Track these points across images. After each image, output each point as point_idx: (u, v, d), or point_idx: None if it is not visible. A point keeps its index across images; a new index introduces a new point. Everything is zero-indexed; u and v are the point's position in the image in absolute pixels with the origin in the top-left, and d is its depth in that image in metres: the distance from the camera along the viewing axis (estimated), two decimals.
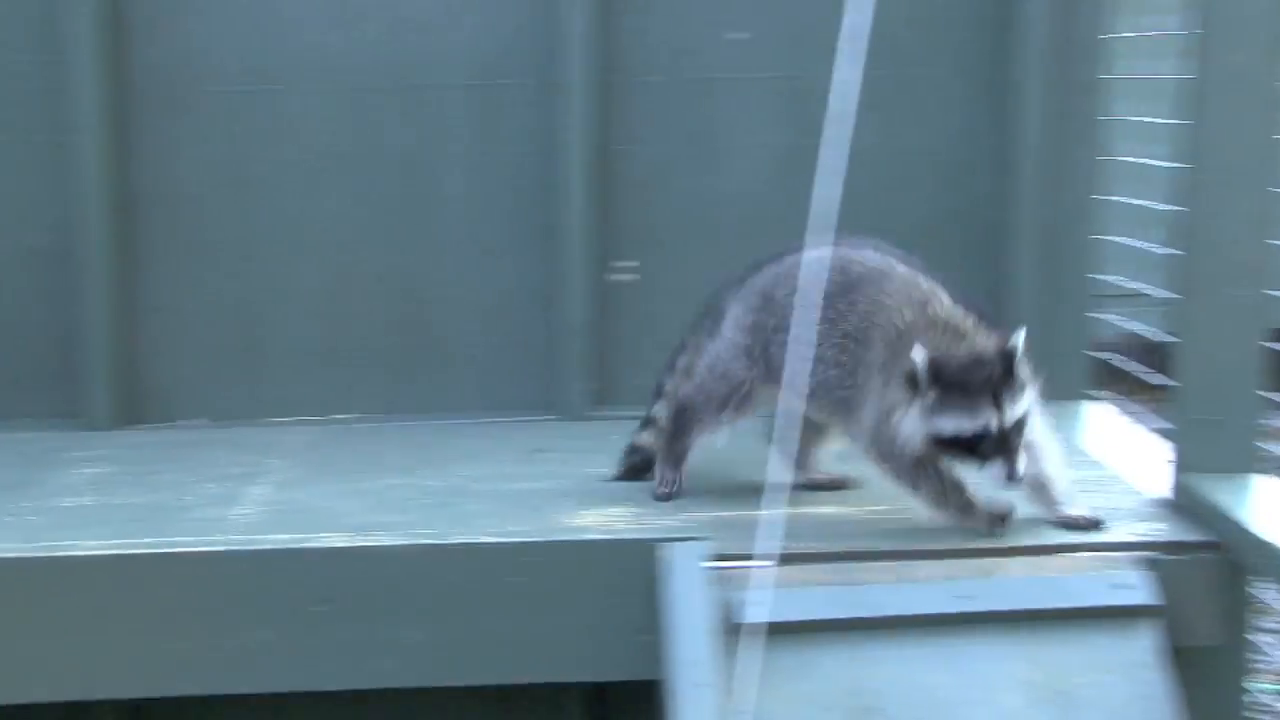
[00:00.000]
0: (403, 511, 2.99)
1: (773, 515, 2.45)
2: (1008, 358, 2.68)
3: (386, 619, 2.77)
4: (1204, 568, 2.74)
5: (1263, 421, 2.99)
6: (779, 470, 2.72)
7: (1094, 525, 2.78)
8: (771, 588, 2.64)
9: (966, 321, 2.78)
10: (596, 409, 3.75)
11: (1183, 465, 2.93)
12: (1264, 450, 3.01)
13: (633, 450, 3.22)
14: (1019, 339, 2.70)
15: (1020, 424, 2.68)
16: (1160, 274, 3.50)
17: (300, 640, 2.77)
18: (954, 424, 2.67)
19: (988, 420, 2.65)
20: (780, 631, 2.58)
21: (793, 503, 2.95)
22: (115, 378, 3.72)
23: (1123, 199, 4.28)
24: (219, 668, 2.78)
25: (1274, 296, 3.01)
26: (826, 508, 2.99)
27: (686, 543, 2.73)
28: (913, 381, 2.69)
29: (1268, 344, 3.01)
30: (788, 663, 2.58)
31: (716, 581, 2.66)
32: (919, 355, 2.67)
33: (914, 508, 2.83)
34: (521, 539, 2.79)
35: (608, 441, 3.50)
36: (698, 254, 3.77)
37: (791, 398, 2.80)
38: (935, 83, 3.76)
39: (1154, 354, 4.54)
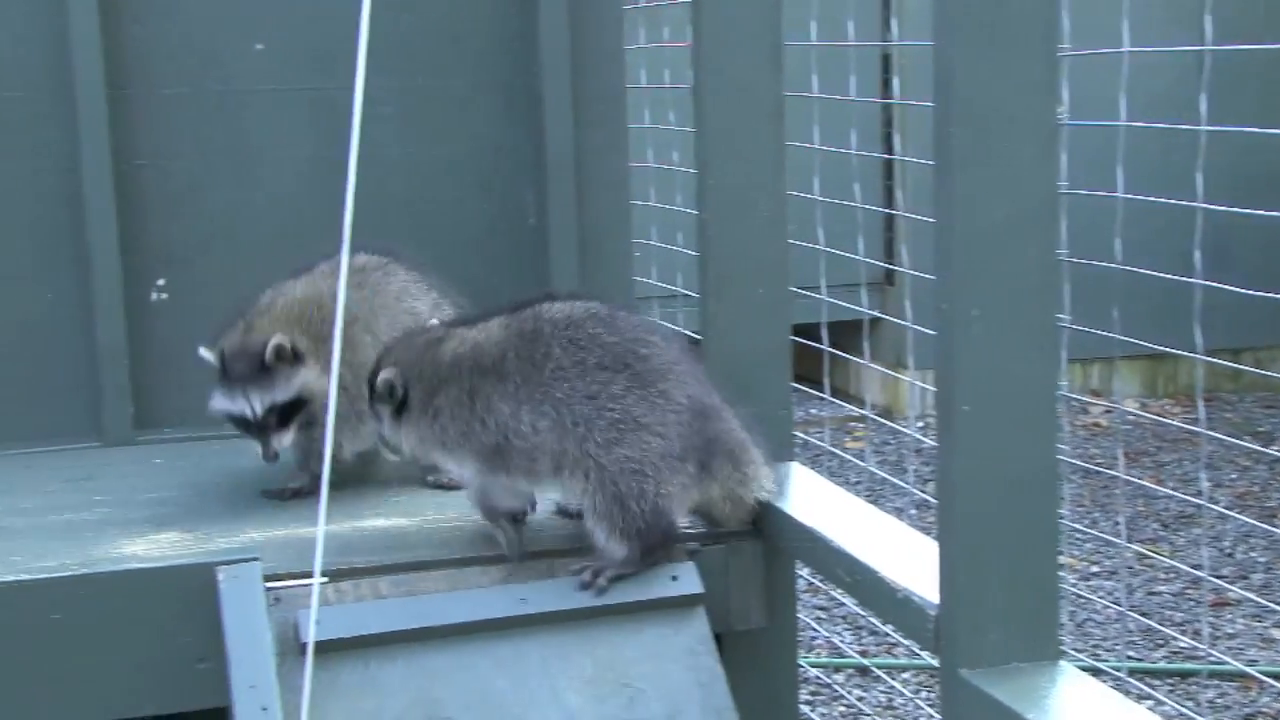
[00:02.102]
0: None
1: (327, 532, 2.44)
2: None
3: None
4: (746, 555, 2.87)
5: (793, 412, 3.18)
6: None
7: None
8: (330, 604, 2.65)
9: None
10: (139, 433, 3.64)
11: None
12: (797, 439, 3.19)
13: None
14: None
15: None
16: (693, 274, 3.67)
17: None
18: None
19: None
20: (341, 648, 2.58)
21: (348, 518, 2.97)
22: None
23: (655, 204, 4.48)
24: None
25: (802, 295, 3.21)
26: (381, 520, 3.00)
27: (243, 564, 2.69)
28: None
29: (794, 339, 3.20)
30: (350, 679, 2.58)
31: (276, 602, 2.64)
32: None
33: None
34: (65, 574, 2.70)
35: (151, 466, 3.43)
36: (231, 269, 3.71)
37: None
38: (461, 95, 3.80)
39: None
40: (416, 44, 3.73)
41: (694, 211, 3.20)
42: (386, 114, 3.71)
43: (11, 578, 2.69)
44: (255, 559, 2.71)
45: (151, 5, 3.63)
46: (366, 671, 2.60)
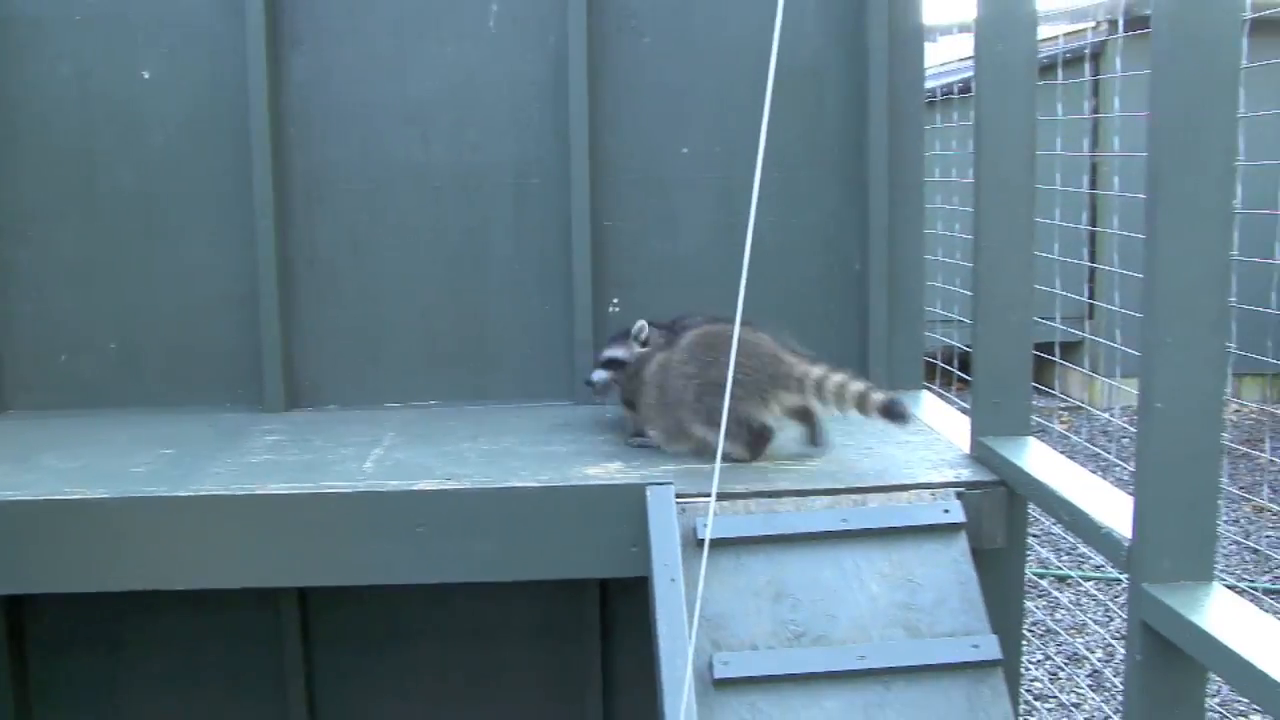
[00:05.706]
0: (472, 466, 3.02)
1: (717, 468, 2.51)
2: None
3: (464, 536, 2.81)
4: (995, 498, 2.81)
5: (1032, 402, 3.09)
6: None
7: None
8: (717, 515, 2.71)
9: None
10: (597, 398, 3.77)
11: (979, 430, 3.00)
12: (1033, 421, 3.10)
13: None
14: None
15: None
16: (966, 306, 3.59)
17: (408, 550, 2.81)
18: None
19: None
20: (722, 545, 2.64)
21: (729, 460, 3.01)
22: (284, 376, 3.74)
23: (941, 258, 4.40)
24: (356, 567, 2.83)
25: (1038, 322, 3.11)
26: (754, 462, 3.03)
27: (662, 486, 2.76)
28: None
29: (1035, 352, 3.11)
30: (727, 564, 2.64)
31: (682, 512, 2.71)
32: None
33: None
34: (551, 484, 2.83)
35: (603, 420, 3.55)
36: (660, 294, 3.82)
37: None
38: (814, 181, 3.78)
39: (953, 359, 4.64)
40: (788, 148, 3.75)
41: (969, 264, 3.14)
42: (766, 194, 3.75)
43: (521, 484, 2.85)
44: (670, 483, 2.78)
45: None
46: (738, 560, 2.64)
